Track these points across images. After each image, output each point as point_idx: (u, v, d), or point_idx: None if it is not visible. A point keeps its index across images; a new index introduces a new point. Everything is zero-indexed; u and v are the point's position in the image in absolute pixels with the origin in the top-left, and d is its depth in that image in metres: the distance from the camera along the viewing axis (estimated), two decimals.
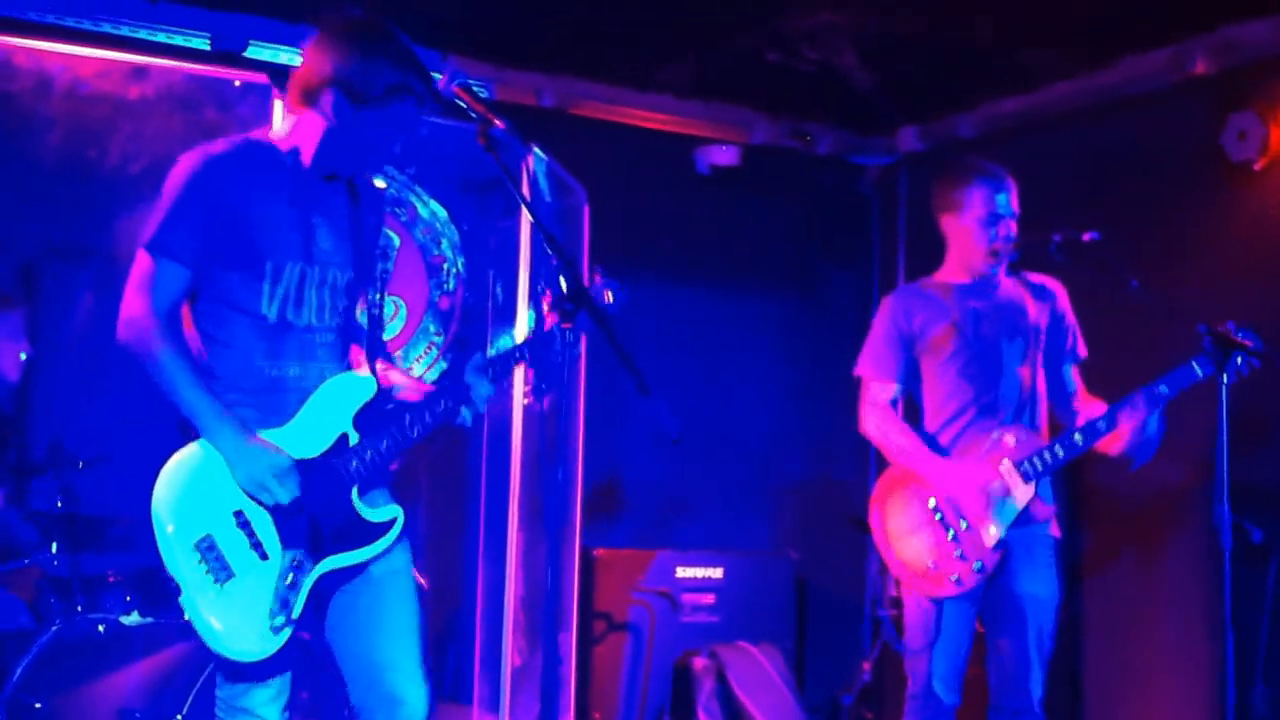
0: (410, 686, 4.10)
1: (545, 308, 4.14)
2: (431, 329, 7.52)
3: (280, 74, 4.41)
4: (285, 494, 3.89)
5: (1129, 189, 7.18)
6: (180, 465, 3.89)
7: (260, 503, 3.90)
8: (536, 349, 4.17)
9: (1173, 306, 5.22)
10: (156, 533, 3.84)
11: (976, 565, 5.36)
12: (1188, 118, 7.00)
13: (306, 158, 4.11)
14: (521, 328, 4.22)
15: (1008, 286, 5.68)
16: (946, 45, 7.19)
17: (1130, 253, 5.50)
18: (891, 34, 7.13)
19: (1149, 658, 7.00)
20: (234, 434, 3.87)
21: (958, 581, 5.38)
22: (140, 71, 5.81)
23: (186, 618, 3.85)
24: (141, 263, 3.91)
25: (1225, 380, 4.95)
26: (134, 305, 3.88)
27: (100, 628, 5.52)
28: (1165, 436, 5.30)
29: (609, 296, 4.12)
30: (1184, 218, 7.01)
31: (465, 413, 4.17)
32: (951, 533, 5.41)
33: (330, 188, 4.17)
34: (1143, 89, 7.20)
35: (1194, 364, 5.12)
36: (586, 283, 4.05)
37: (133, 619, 5.52)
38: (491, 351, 4.23)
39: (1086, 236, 5.33)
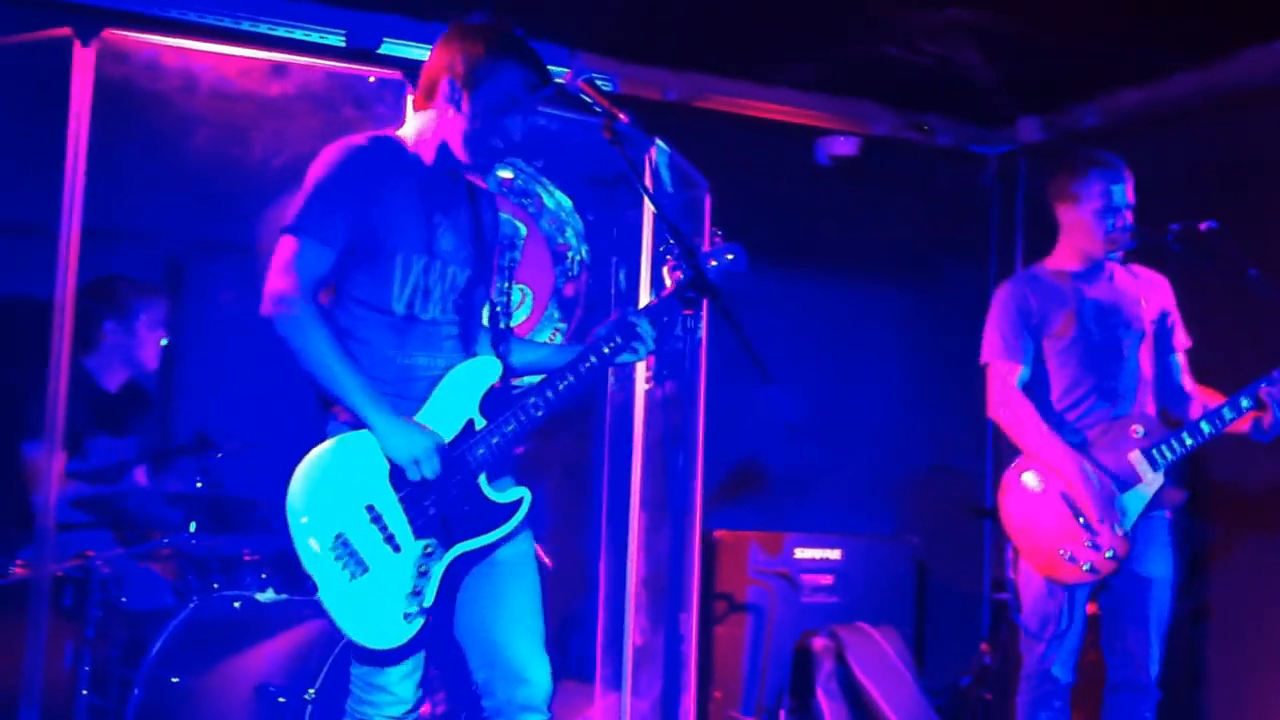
0: (534, 666, 4.19)
1: (666, 276, 4.19)
2: (556, 315, 7.63)
3: (414, 71, 4.54)
4: (432, 470, 3.98)
5: (1251, 181, 7.14)
6: (312, 465, 4.00)
7: (399, 486, 4.00)
8: (673, 308, 4.16)
9: None
10: (292, 532, 3.95)
11: (1110, 553, 5.39)
12: None
13: (429, 155, 4.24)
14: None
15: (1120, 276, 5.75)
16: (1068, 37, 7.18)
17: (1251, 246, 5.53)
18: (1014, 28, 7.13)
19: (1274, 648, 6.98)
20: (387, 412, 3.97)
21: (1091, 570, 5.41)
22: (280, 70, 5.89)
23: (324, 609, 3.95)
24: (286, 244, 4.01)
25: None
26: (281, 282, 3.98)
27: (236, 605, 5.60)
28: None
29: (730, 258, 4.15)
30: None
31: (633, 353, 4.20)
32: (1084, 520, 5.43)
33: (451, 189, 4.30)
34: (1265, 81, 7.14)
35: None
36: (707, 245, 4.15)
37: (268, 596, 5.61)
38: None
39: (1204, 226, 5.39)
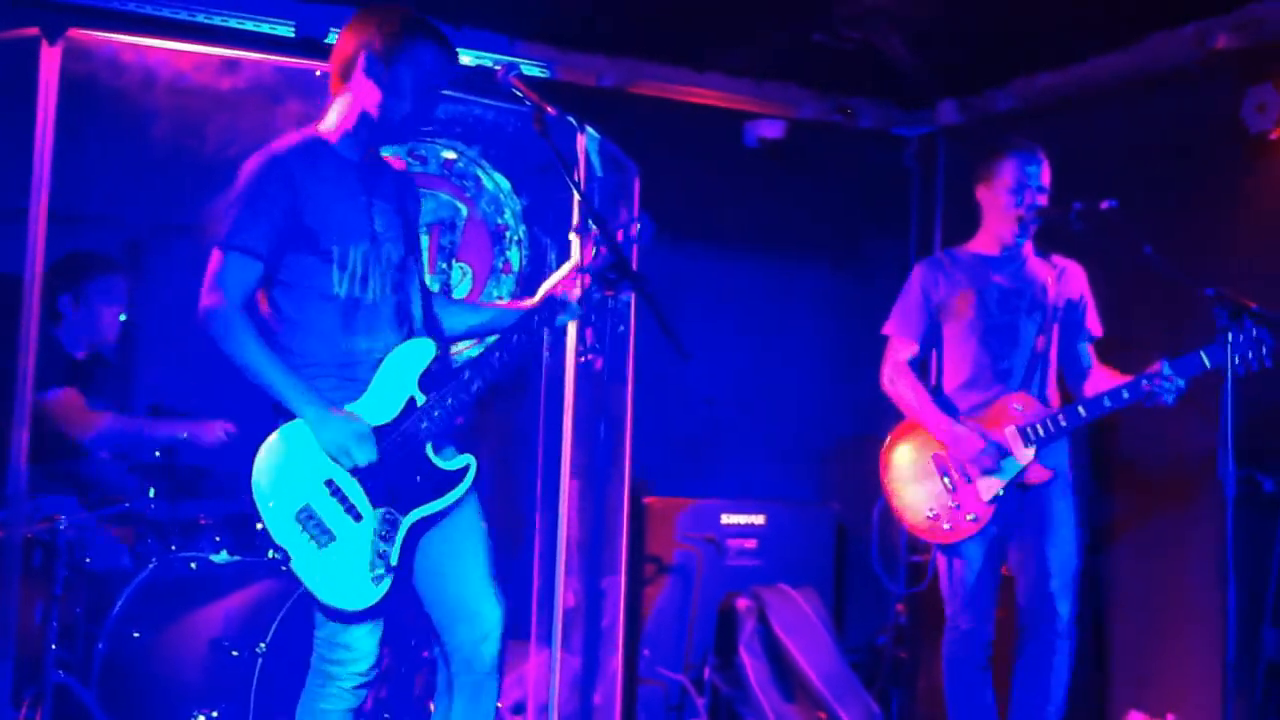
0: (485, 602, 4.46)
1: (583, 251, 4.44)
2: (495, 293, 7.80)
3: None
4: (363, 457, 4.24)
5: (1155, 161, 7.26)
6: (273, 447, 4.26)
7: (344, 467, 4.25)
8: (595, 281, 4.40)
9: (1195, 273, 5.30)
10: (260, 510, 4.22)
11: (970, 516, 5.70)
12: (1210, 92, 7.10)
13: (351, 145, 4.46)
14: (574, 292, 4.46)
15: (1033, 264, 5.93)
16: (987, 23, 7.36)
17: (1155, 222, 5.68)
18: (934, 14, 7.34)
19: (1176, 608, 7.12)
20: (317, 405, 4.22)
21: (950, 529, 5.71)
22: (232, 65, 6.07)
23: (287, 569, 4.22)
24: (216, 259, 4.26)
25: (1231, 340, 5.12)
26: (212, 298, 4.23)
27: (192, 566, 5.82)
28: (1190, 398, 5.54)
29: (635, 230, 4.39)
30: (1206, 188, 7.09)
31: (557, 322, 4.47)
32: (950, 484, 5.74)
33: (375, 172, 4.50)
34: (1169, 65, 7.28)
35: (1202, 354, 5.39)
36: (617, 220, 4.39)
37: (222, 558, 5.81)
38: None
39: (1104, 205, 5.49)
